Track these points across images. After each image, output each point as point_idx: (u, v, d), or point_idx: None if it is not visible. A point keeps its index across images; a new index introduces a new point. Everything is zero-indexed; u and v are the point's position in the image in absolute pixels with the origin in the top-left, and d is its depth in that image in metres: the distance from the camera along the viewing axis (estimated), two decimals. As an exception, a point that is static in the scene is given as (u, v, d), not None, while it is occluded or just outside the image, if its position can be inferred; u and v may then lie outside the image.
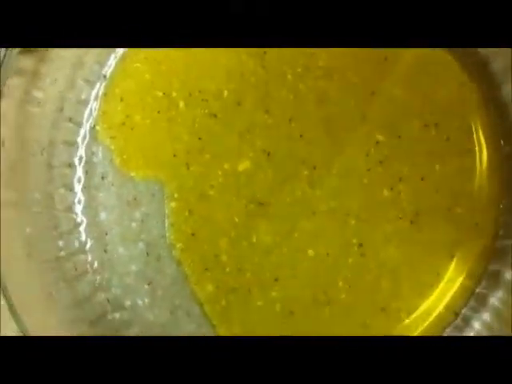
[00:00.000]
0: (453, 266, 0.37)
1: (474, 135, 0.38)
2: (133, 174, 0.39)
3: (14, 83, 0.35)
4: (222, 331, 0.37)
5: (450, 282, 0.37)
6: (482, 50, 0.38)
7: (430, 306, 0.37)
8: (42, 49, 0.36)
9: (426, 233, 0.37)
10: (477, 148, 0.38)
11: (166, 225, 0.38)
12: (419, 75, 0.38)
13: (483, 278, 0.38)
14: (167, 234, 0.38)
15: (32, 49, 0.35)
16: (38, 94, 0.37)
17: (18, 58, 0.34)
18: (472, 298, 0.38)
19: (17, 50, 0.34)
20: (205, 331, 0.37)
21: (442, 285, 0.37)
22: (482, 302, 0.37)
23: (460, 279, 0.37)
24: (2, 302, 0.34)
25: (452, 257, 0.37)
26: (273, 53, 0.38)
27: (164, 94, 0.39)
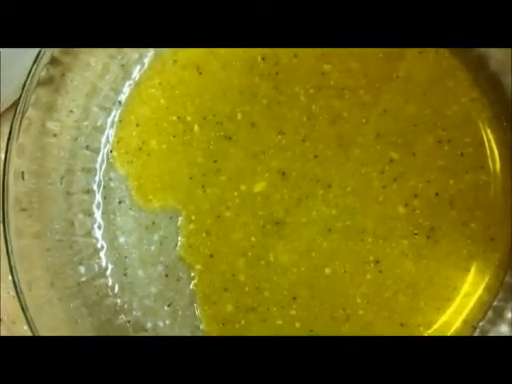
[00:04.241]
0: (470, 279, 0.37)
1: (487, 150, 0.38)
2: (150, 197, 0.39)
3: (30, 116, 0.35)
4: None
5: (468, 296, 0.37)
6: (493, 65, 0.38)
7: (448, 320, 0.37)
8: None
9: (442, 248, 0.37)
10: (490, 162, 0.38)
11: (184, 246, 0.38)
12: (431, 92, 0.38)
13: (500, 291, 0.38)
14: (185, 256, 0.38)
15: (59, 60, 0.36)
16: (55, 125, 0.37)
17: (34, 91, 0.35)
18: (489, 310, 0.38)
19: (35, 81, 0.34)
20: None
21: (459, 299, 0.37)
22: (499, 314, 0.37)
23: (477, 293, 0.37)
24: (25, 327, 0.34)
25: (468, 271, 0.37)
26: (285, 74, 0.38)
27: (179, 118, 0.39)
